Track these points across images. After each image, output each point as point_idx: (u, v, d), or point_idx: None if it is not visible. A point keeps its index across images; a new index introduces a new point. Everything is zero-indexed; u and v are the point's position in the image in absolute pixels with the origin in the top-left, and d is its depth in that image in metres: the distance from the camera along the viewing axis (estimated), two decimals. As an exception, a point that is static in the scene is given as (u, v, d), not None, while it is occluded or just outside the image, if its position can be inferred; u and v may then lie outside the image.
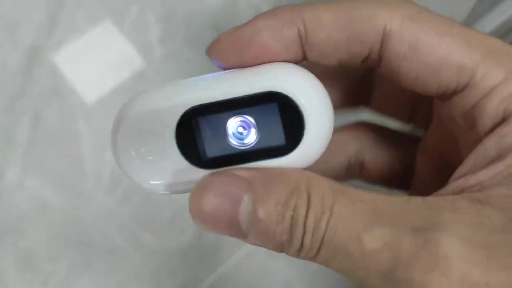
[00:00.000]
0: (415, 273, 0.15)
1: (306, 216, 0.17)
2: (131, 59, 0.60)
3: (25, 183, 0.56)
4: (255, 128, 0.18)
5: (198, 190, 0.17)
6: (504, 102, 0.17)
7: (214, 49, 0.19)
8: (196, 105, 0.18)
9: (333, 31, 0.18)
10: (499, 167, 0.17)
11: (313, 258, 0.17)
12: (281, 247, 0.17)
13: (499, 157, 0.17)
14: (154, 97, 0.18)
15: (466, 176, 0.18)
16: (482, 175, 0.17)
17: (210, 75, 0.19)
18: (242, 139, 0.18)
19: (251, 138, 0.18)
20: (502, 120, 0.17)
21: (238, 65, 0.18)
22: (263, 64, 0.18)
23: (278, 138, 0.18)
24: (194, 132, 0.18)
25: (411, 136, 0.24)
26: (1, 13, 0.59)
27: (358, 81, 0.23)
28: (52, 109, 0.58)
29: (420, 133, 0.23)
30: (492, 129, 0.18)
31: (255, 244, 0.18)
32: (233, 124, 0.18)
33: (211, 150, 0.18)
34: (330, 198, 0.17)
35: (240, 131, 0.18)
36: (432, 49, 0.18)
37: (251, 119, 0.18)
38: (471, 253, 0.15)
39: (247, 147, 0.18)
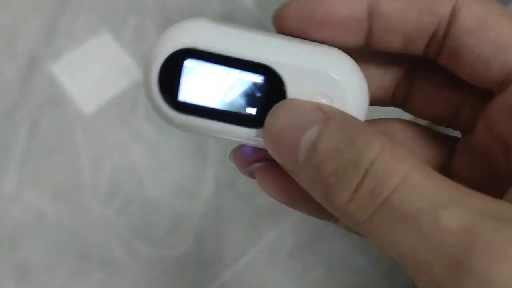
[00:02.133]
0: (493, 270, 0.13)
1: (371, 165, 0.15)
2: (129, 69, 0.60)
3: (22, 193, 0.55)
4: (240, 93, 0.18)
5: (279, 106, 0.18)
6: None
7: (283, 10, 0.19)
8: (186, 47, 0.17)
9: (405, 1, 0.18)
10: None
11: (361, 223, 0.16)
12: (327, 193, 0.16)
13: None
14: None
15: None
16: None
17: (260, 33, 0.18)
18: (224, 98, 0.18)
19: (233, 100, 0.18)
20: None
21: (299, 30, 0.18)
22: (320, 44, 0.18)
23: (252, 107, 0.18)
24: (177, 72, 0.18)
25: (448, 136, 0.23)
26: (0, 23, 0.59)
27: (396, 82, 0.23)
28: (50, 119, 0.57)
29: (458, 134, 0.23)
30: None
31: (306, 187, 0.17)
32: (220, 78, 0.18)
33: (186, 95, 0.18)
34: (408, 162, 0.15)
35: (228, 91, 0.18)
36: (501, 27, 0.18)
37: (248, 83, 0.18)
38: None
39: (226, 108, 0.18)
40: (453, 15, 0.18)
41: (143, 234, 0.56)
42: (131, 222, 0.56)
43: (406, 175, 0.15)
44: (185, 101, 0.18)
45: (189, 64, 0.17)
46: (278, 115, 0.17)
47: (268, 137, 0.18)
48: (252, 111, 0.18)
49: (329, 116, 0.17)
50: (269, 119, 0.18)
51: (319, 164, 0.16)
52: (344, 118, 0.17)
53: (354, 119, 0.17)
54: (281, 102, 0.18)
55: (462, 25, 0.18)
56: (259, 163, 0.20)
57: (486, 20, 0.18)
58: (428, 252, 0.14)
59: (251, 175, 0.21)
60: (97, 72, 0.59)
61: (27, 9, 0.60)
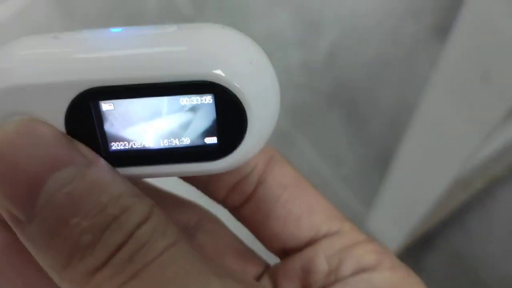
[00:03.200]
0: None
1: (138, 227, 0.14)
2: None
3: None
4: (181, 123, 0.15)
5: (21, 125, 0.14)
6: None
7: None
8: (95, 87, 0.15)
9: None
10: None
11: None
12: (71, 254, 0.14)
13: None
14: (29, 61, 0.14)
15: None
16: None
17: (112, 31, 0.15)
18: (164, 136, 0.16)
19: (175, 134, 0.16)
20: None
21: None
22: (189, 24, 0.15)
23: (209, 137, 0.16)
24: (93, 121, 0.15)
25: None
26: None
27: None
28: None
29: None
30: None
31: (33, 242, 0.14)
32: (150, 114, 0.15)
33: (115, 144, 0.15)
34: (173, 232, 0.14)
35: (164, 125, 0.15)
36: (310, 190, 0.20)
37: (171, 109, 0.15)
38: None
39: (167, 145, 0.16)
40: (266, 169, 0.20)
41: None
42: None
43: (176, 240, 0.14)
44: (120, 150, 0.15)
45: (107, 106, 0.15)
46: (21, 139, 0.14)
47: None
48: (211, 141, 0.16)
49: (92, 161, 0.14)
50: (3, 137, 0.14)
51: (68, 214, 0.13)
52: (109, 167, 0.15)
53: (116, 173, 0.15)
54: (23, 120, 0.14)
55: (276, 180, 0.20)
56: None
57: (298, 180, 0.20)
58: None
59: None
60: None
61: None
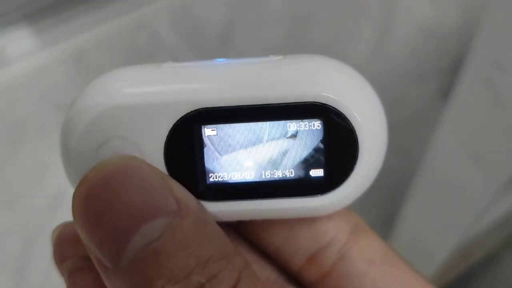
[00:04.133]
0: None
1: None
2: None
3: None
4: (284, 151, 0.14)
5: (120, 166, 0.13)
6: None
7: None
8: (202, 108, 0.14)
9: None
10: None
11: None
12: None
13: None
14: (133, 84, 0.14)
15: None
16: None
17: (221, 61, 0.15)
18: (265, 166, 0.14)
19: (276, 164, 0.14)
20: None
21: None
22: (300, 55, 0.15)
23: (315, 169, 0.14)
24: (193, 146, 0.14)
25: None
26: None
27: None
28: None
29: None
30: None
31: None
32: (251, 140, 0.14)
33: (213, 175, 0.14)
34: None
35: (265, 154, 0.14)
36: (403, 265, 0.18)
37: (281, 138, 0.14)
38: None
39: (269, 177, 0.14)
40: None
41: None
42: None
43: None
44: (217, 182, 0.14)
45: (210, 132, 0.14)
46: (121, 180, 0.13)
47: (86, 206, 0.13)
48: (317, 172, 0.14)
49: (181, 209, 0.13)
50: (96, 178, 0.13)
51: (153, 274, 0.12)
52: (201, 217, 0.13)
53: (211, 220, 0.14)
54: (126, 158, 0.13)
55: (362, 254, 0.17)
56: (79, 260, 0.16)
57: (387, 253, 0.17)
58: None
59: (66, 274, 0.16)
60: None
61: None
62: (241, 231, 0.18)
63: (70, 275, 0.16)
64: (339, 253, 0.17)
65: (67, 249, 0.16)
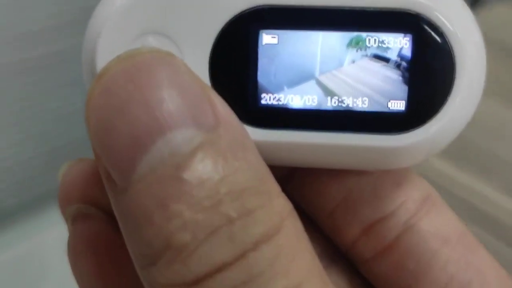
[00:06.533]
0: None
1: (256, 247, 0.10)
2: None
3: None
4: (356, 76, 0.12)
5: (145, 54, 0.10)
6: None
7: None
8: (263, 5, 0.11)
9: None
10: None
11: None
12: (157, 255, 0.10)
13: None
14: None
15: None
16: None
17: None
18: (334, 90, 0.12)
19: (342, 89, 0.12)
20: None
21: None
22: None
23: (396, 99, 0.12)
24: (246, 57, 0.11)
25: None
26: None
27: None
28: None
29: None
30: None
31: (124, 215, 0.10)
32: (320, 56, 0.11)
33: (267, 96, 0.12)
34: (305, 268, 0.10)
35: (336, 75, 0.11)
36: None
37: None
38: None
39: (336, 105, 0.12)
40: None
41: None
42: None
43: (299, 283, 0.10)
44: (271, 106, 0.12)
45: (269, 39, 0.12)
46: (148, 75, 0.10)
47: (102, 100, 0.10)
48: (397, 104, 0.12)
49: (219, 126, 0.10)
50: (118, 67, 0.10)
51: (170, 196, 0.10)
52: (243, 142, 0.11)
53: (253, 148, 0.11)
54: (158, 51, 0.10)
55: (433, 229, 0.14)
56: (85, 206, 0.14)
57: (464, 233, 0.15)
58: None
59: (70, 219, 0.14)
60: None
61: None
62: (287, 192, 0.15)
63: (74, 221, 0.14)
64: (405, 225, 0.14)
65: (74, 190, 0.14)
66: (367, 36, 0.11)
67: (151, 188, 0.10)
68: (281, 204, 0.11)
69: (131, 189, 0.10)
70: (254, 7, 0.11)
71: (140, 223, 0.10)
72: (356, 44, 0.11)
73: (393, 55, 0.11)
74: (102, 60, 0.11)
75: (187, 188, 0.10)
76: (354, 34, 0.11)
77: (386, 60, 0.11)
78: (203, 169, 0.10)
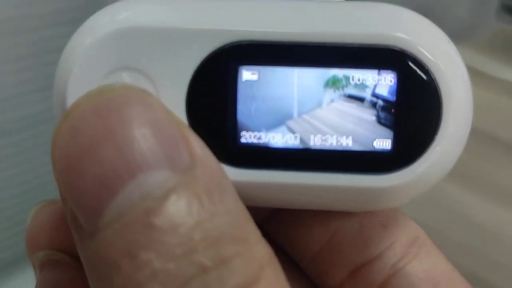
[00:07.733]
0: None
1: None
2: None
3: None
4: (340, 114, 0.11)
5: (121, 94, 0.09)
6: None
7: None
8: (242, 41, 0.11)
9: None
10: None
11: None
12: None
13: None
14: (155, 1, 0.11)
15: None
16: None
17: None
18: (316, 129, 0.11)
19: (325, 128, 0.11)
20: None
21: None
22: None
23: (381, 138, 0.11)
24: (225, 94, 0.11)
25: None
26: None
27: None
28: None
29: None
30: None
31: (89, 260, 0.10)
32: (302, 93, 0.11)
33: (247, 134, 0.11)
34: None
35: (318, 113, 0.11)
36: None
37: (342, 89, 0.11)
38: None
39: (320, 144, 0.11)
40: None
41: None
42: None
43: None
44: (252, 144, 0.11)
45: (249, 75, 0.11)
46: (118, 114, 0.09)
47: (69, 138, 0.09)
48: (383, 143, 0.11)
49: (195, 167, 0.10)
50: (88, 104, 0.09)
51: (140, 243, 0.09)
52: (220, 183, 0.10)
53: (231, 190, 0.10)
54: (128, 88, 0.10)
55: (422, 273, 0.14)
56: (53, 253, 0.13)
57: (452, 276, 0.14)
58: None
59: (38, 266, 0.13)
60: None
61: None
62: (269, 234, 0.14)
63: (41, 268, 0.13)
64: (392, 269, 0.14)
65: (42, 234, 0.13)
66: (346, 74, 0.11)
67: (119, 235, 0.09)
68: (260, 251, 0.10)
69: (98, 235, 0.09)
70: (233, 42, 0.11)
71: (107, 272, 0.09)
72: (333, 84, 0.11)
73: (374, 94, 0.11)
74: (72, 97, 0.10)
75: (157, 234, 0.09)
76: (331, 74, 0.11)
77: (364, 100, 0.11)
78: (176, 213, 0.09)
